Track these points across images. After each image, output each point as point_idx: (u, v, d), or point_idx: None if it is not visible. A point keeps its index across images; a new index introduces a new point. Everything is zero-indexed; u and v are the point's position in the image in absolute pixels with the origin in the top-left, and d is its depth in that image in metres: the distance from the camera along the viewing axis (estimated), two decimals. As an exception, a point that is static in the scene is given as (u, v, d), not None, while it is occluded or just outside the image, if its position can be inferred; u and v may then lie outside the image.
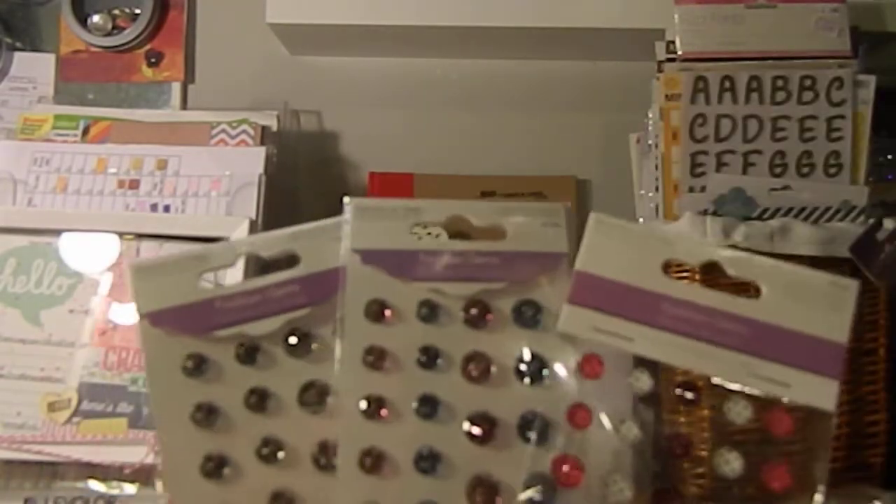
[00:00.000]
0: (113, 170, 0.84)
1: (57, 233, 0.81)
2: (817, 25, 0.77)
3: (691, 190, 0.75)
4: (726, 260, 0.30)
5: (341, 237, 0.31)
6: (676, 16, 0.78)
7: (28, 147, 0.85)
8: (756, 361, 0.29)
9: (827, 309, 0.29)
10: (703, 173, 0.75)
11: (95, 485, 0.68)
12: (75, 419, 0.72)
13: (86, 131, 0.87)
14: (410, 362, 0.30)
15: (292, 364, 0.30)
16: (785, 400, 0.27)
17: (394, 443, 0.28)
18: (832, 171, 0.76)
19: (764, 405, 0.29)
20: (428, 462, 0.28)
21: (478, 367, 0.29)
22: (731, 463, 0.30)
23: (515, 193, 0.94)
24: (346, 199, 0.32)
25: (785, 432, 0.28)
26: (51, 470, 0.72)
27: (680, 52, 0.78)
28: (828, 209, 0.74)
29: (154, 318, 0.29)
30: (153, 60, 0.99)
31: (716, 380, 0.28)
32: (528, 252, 0.31)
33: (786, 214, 0.73)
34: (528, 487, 0.28)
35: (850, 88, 0.76)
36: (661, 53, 0.80)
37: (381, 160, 0.96)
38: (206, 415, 0.29)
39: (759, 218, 0.73)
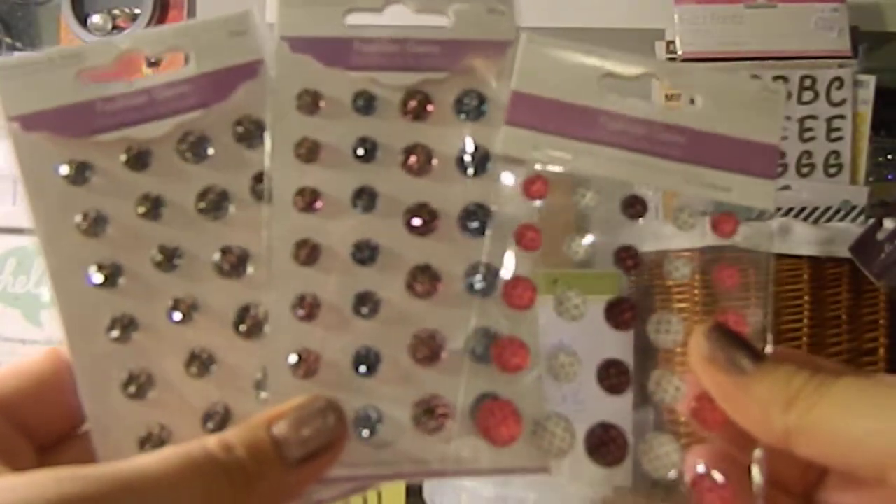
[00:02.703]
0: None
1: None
2: (817, 25, 0.77)
3: (691, 190, 0.75)
4: (661, 70, 0.29)
5: (244, 30, 0.28)
6: (676, 16, 0.78)
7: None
8: (696, 169, 0.29)
9: (759, 113, 0.29)
10: (703, 173, 0.75)
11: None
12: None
13: (86, 131, 0.87)
14: (346, 154, 0.28)
15: (188, 169, 0.27)
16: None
17: (330, 235, 0.27)
18: (832, 171, 0.76)
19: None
20: (366, 253, 0.27)
21: (418, 159, 0.28)
22: (681, 269, 0.31)
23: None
24: None
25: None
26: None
27: (680, 52, 0.77)
28: (828, 209, 0.73)
29: (26, 122, 0.26)
30: (153, 60, 0.99)
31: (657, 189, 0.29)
32: (471, 40, 0.29)
33: (786, 214, 0.73)
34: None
35: (850, 88, 0.76)
36: (661, 53, 0.80)
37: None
38: (94, 224, 0.27)
39: (759, 218, 0.73)
